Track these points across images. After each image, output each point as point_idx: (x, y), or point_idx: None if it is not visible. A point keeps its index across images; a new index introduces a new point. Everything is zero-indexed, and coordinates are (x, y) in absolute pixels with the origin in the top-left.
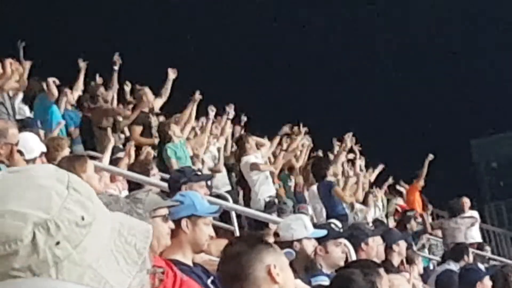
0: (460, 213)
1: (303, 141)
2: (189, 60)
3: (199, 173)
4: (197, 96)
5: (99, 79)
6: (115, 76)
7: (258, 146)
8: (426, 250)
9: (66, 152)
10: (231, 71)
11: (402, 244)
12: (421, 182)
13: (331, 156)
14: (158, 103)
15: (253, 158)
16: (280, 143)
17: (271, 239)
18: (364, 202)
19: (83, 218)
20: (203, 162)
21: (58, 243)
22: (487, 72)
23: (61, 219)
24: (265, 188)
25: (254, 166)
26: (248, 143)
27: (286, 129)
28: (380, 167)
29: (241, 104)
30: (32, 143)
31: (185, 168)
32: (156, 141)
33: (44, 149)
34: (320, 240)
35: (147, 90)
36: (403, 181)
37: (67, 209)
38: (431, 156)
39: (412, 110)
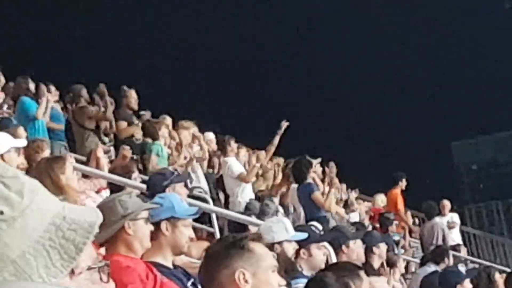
0: (437, 215)
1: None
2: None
3: (177, 173)
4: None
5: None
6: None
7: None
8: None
9: (46, 153)
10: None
11: (383, 246)
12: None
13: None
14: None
15: (234, 160)
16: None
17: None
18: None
19: (2, 213)
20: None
21: None
22: (467, 75)
23: None
24: (245, 190)
25: (241, 177)
26: (230, 146)
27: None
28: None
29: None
30: None
31: (164, 170)
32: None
33: (18, 145)
34: (302, 243)
35: (130, 93)
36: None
37: None
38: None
39: (392, 113)
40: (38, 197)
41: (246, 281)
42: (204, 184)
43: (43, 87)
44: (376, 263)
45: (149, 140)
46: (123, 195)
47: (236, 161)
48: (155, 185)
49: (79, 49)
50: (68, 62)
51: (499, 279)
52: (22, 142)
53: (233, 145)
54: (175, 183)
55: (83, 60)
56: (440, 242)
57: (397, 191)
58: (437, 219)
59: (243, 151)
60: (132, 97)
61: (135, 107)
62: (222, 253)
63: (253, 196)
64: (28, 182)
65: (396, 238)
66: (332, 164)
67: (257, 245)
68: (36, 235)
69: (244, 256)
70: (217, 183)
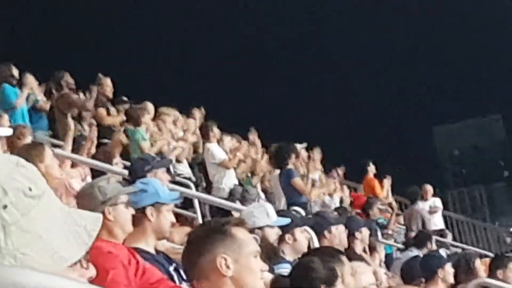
0: (420, 200)
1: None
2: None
3: (159, 158)
4: None
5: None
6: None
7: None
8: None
9: (28, 140)
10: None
11: (365, 231)
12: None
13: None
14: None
15: (215, 146)
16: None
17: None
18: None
19: (30, 189)
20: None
21: (5, 206)
22: (449, 60)
23: (8, 186)
24: (227, 176)
25: (223, 164)
26: (212, 132)
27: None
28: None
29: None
30: None
31: (146, 156)
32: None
33: (2, 134)
34: (285, 228)
35: (106, 81)
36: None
37: (14, 179)
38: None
39: (374, 98)
40: (47, 185)
41: (227, 267)
42: (187, 170)
43: (29, 77)
44: (358, 248)
45: (130, 126)
46: (101, 181)
47: (218, 147)
48: (137, 170)
49: (63, 35)
50: (52, 48)
51: (479, 265)
52: (7, 131)
53: (216, 130)
54: (157, 169)
55: (67, 46)
56: (419, 228)
57: (370, 177)
58: (419, 204)
59: (228, 138)
60: (107, 85)
61: (110, 95)
62: (204, 238)
63: (236, 182)
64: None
65: (381, 221)
66: (317, 149)
67: (240, 230)
68: (55, 216)
69: (226, 241)
70: (200, 169)
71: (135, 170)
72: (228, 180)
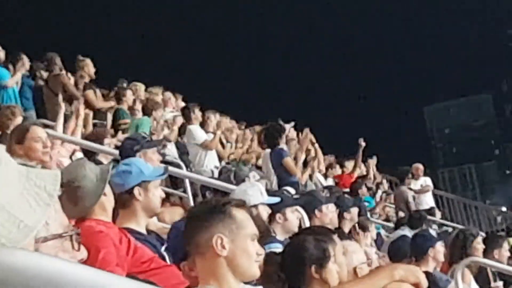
0: (411, 179)
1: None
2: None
3: (149, 138)
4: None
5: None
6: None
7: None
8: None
9: (19, 120)
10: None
11: (354, 211)
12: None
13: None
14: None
15: (197, 128)
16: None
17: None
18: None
19: None
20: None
21: None
22: (439, 40)
23: None
24: (210, 157)
25: (205, 145)
26: (194, 113)
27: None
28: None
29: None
30: None
31: (137, 135)
32: (113, 103)
33: None
34: (275, 208)
35: (88, 61)
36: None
37: None
38: (363, 144)
39: (366, 78)
40: (3, 149)
41: (223, 247)
42: (174, 151)
43: (25, 59)
44: (347, 227)
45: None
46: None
47: (200, 128)
48: (126, 150)
49: (49, 16)
50: (38, 29)
51: (477, 243)
52: None
53: (197, 112)
54: (146, 149)
55: (55, 27)
56: (414, 206)
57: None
58: (406, 184)
59: (212, 117)
60: (89, 65)
61: (93, 75)
62: (203, 215)
63: (218, 164)
64: None
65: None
66: (306, 129)
67: (240, 211)
68: (14, 182)
69: (224, 221)
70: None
71: (124, 149)
72: (210, 162)
